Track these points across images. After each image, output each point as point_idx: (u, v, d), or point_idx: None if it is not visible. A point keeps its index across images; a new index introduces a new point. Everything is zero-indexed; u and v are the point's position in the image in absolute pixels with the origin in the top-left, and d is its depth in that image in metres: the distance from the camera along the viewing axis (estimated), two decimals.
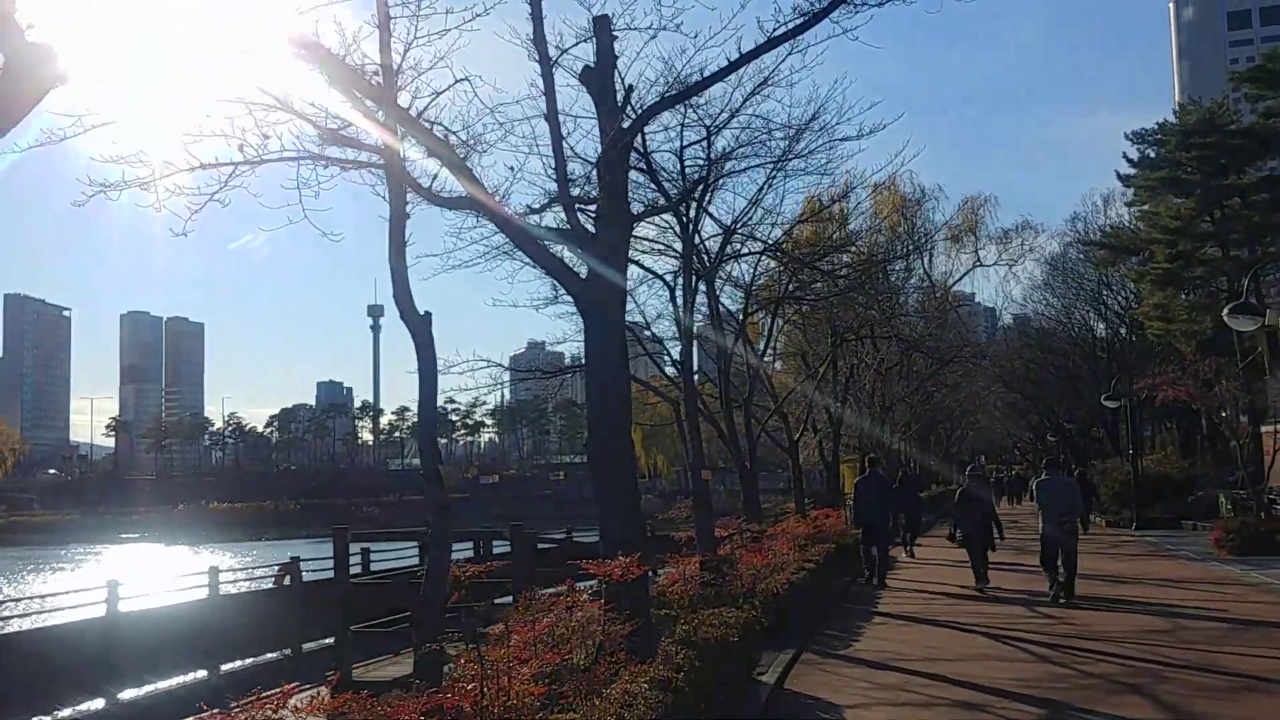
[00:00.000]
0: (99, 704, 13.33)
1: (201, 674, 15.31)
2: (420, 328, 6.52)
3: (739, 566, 14.88)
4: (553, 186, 10.70)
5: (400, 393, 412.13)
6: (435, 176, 9.21)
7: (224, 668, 15.45)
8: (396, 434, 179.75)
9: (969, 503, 18.72)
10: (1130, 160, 44.27)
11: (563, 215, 10.03)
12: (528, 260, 14.11)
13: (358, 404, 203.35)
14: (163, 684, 14.54)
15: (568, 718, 6.54)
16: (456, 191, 9.22)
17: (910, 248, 24.32)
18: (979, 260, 47.59)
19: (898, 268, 33.43)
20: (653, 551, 13.47)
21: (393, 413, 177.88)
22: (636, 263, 16.41)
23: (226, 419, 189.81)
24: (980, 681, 9.93)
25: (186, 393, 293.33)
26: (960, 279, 47.81)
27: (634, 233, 17.03)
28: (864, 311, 27.42)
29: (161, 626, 15.06)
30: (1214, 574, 19.23)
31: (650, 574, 10.20)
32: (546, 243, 10.04)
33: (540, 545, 19.36)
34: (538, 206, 11.86)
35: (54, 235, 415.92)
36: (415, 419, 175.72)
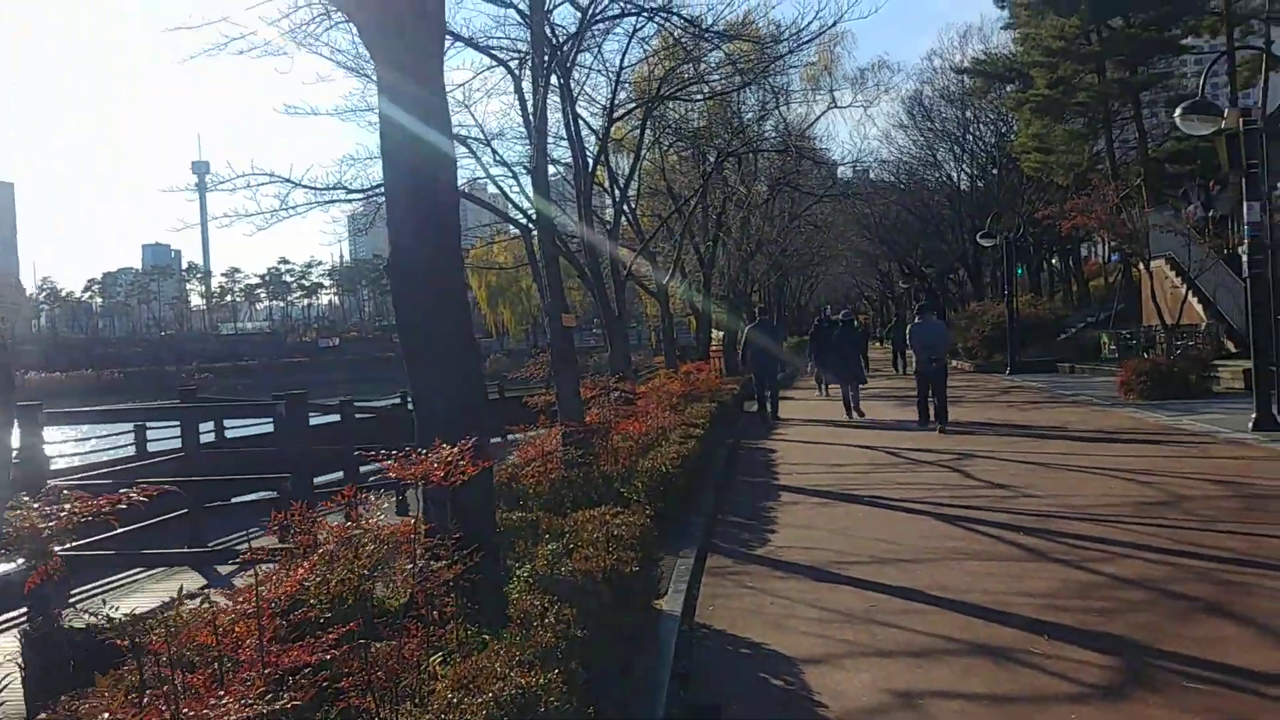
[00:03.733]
0: None
1: None
2: None
3: (612, 438, 11.60)
4: None
5: (231, 254, 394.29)
6: None
7: None
8: (229, 297, 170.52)
9: (839, 347, 21.30)
10: None
11: None
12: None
13: (185, 266, 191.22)
14: None
15: None
16: None
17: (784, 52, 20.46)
18: (834, 102, 44.74)
19: (752, 109, 30.08)
20: (501, 428, 10.19)
21: (222, 274, 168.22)
22: (468, 41, 12.38)
23: (40, 283, 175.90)
24: (978, 600, 6.87)
25: None
26: (815, 120, 44.92)
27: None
28: (729, 142, 24.46)
29: None
30: (1145, 422, 16.89)
31: (494, 468, 6.70)
32: None
33: (360, 415, 15.51)
34: None
35: None
36: (247, 281, 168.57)
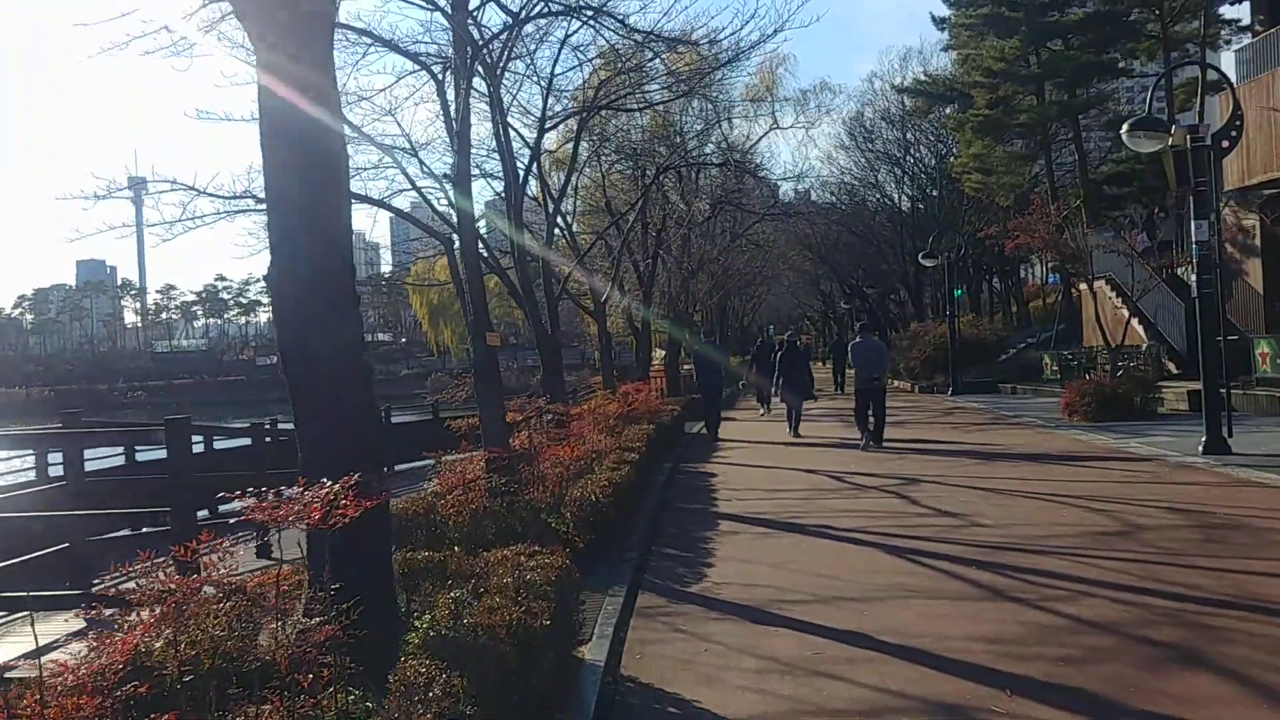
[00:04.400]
0: None
1: None
2: None
3: (541, 464, 10.88)
4: None
5: (168, 271, 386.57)
6: None
7: None
8: (164, 314, 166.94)
9: (791, 364, 21.50)
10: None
11: None
12: None
13: (120, 283, 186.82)
14: None
15: None
16: None
17: (721, 63, 19.97)
18: (776, 123, 44.65)
19: (693, 127, 29.64)
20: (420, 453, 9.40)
21: (157, 291, 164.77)
22: (388, 43, 11.66)
23: None
24: (931, 646, 6.24)
25: None
26: (758, 141, 44.78)
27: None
28: (669, 157, 23.97)
29: None
30: (1092, 445, 16.48)
31: (388, 503, 5.94)
32: None
33: (281, 438, 14.62)
34: None
35: None
36: (183, 298, 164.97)
